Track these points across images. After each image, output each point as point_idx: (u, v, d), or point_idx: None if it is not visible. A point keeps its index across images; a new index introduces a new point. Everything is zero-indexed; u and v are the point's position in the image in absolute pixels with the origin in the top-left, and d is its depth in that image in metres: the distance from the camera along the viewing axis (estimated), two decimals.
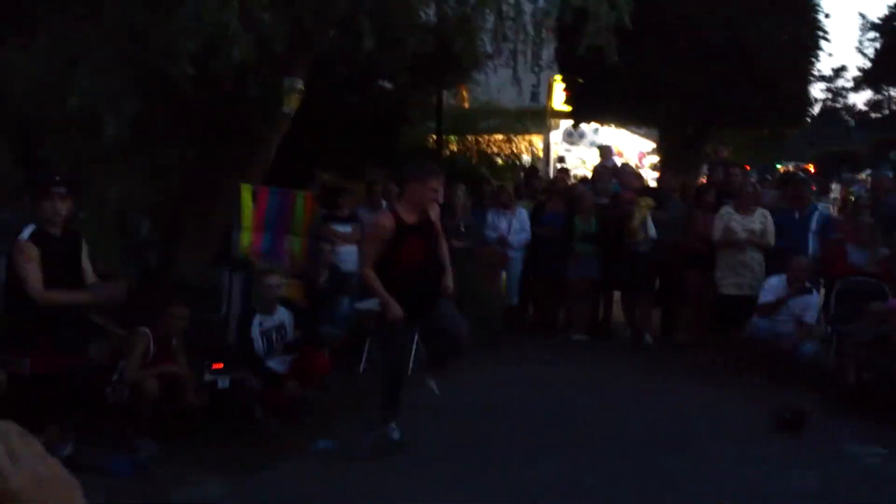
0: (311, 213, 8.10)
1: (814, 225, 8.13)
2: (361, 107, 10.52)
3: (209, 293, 6.99)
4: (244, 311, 6.76)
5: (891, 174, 10.89)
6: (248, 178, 7.17)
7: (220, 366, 5.98)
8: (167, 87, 5.82)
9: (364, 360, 7.74)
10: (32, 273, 4.51)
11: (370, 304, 7.87)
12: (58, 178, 4.79)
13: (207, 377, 5.88)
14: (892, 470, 5.35)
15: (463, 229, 9.16)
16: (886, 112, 33.49)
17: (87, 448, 4.93)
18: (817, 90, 31.46)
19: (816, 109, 26.64)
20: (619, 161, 15.05)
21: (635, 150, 19.78)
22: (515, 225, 9.21)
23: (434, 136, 12.34)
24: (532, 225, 9.30)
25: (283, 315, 6.45)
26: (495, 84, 14.71)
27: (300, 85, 7.06)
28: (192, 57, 5.39)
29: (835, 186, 16.87)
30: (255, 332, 6.30)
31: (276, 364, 6.37)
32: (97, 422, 5.37)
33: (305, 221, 7.97)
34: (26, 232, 4.61)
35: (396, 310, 5.13)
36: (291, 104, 7.04)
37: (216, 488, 4.84)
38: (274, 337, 6.37)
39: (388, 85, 10.61)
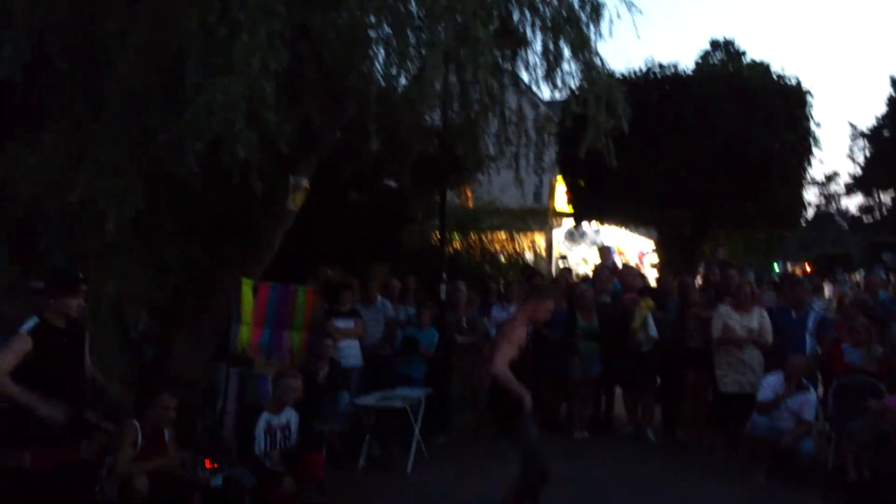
0: (313, 308, 8.16)
1: (811, 325, 8.18)
2: (365, 204, 10.74)
3: (205, 388, 6.98)
4: (248, 406, 6.66)
5: (883, 275, 11.00)
6: (249, 273, 7.25)
7: (215, 465, 5.91)
8: (171, 184, 5.97)
9: (363, 456, 7.65)
10: (5, 360, 4.46)
11: (370, 399, 7.88)
12: (81, 274, 4.84)
13: (200, 474, 5.80)
14: None
15: (465, 325, 9.20)
16: (878, 215, 34.03)
17: None
18: (811, 195, 32.17)
19: (810, 213, 27.08)
20: (619, 260, 15.23)
21: (635, 249, 19.99)
22: None
23: (437, 234, 12.52)
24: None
25: (289, 415, 6.32)
26: (498, 184, 15.08)
27: (305, 183, 7.23)
28: (198, 155, 5.53)
29: (827, 287, 16.99)
30: (260, 430, 6.17)
31: (272, 463, 6.25)
32: None
33: (307, 316, 8.02)
34: (30, 324, 4.62)
35: (529, 401, 5.53)
36: (296, 202, 7.19)
37: None
38: (278, 436, 6.23)
39: (392, 184, 10.86)
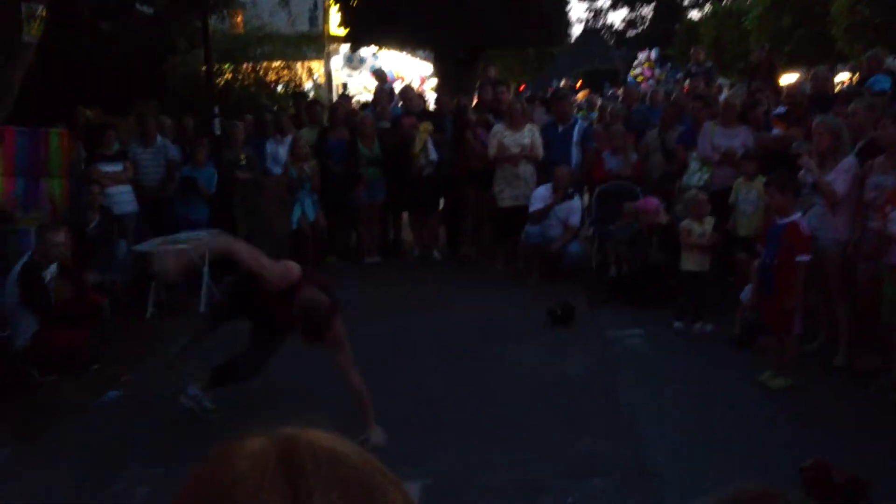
0: (70, 152, 7.46)
1: (575, 136, 8.72)
2: (120, 34, 9.71)
3: None
4: (28, 264, 6.18)
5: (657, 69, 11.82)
6: None
7: None
8: None
9: (150, 304, 7.41)
10: None
11: (149, 246, 7.52)
12: None
13: None
14: (646, 348, 6.17)
15: (244, 161, 8.89)
16: (640, 30, 36.25)
17: None
18: (579, 10, 33.45)
19: (579, 30, 28.14)
20: (400, 86, 15.19)
21: (416, 73, 19.98)
22: None
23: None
24: (317, 153, 9.18)
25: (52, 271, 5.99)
26: (267, 8, 14.19)
27: (41, 11, 6.37)
28: None
29: (599, 100, 18.24)
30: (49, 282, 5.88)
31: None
32: None
33: (64, 161, 7.33)
34: None
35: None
36: (32, 32, 6.34)
37: None
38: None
39: (147, 10, 9.85)
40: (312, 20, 17.64)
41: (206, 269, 7.56)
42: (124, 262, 7.58)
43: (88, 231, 7.21)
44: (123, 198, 8.04)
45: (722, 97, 9.50)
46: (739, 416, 4.75)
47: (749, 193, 6.74)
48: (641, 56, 19.51)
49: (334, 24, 16.14)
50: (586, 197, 8.98)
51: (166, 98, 10.84)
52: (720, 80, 16.61)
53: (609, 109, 9.67)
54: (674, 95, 10.16)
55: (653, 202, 7.35)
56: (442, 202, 9.60)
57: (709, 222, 6.48)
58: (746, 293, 5.93)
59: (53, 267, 6.01)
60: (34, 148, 6.94)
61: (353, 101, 13.75)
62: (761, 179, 6.27)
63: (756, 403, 4.92)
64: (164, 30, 9.69)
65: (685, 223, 6.54)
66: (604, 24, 39.64)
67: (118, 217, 7.81)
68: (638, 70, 19.42)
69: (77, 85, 9.06)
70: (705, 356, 5.84)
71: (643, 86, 15.68)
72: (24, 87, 6.72)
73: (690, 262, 6.49)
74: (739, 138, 7.48)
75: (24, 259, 6.14)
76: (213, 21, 9.94)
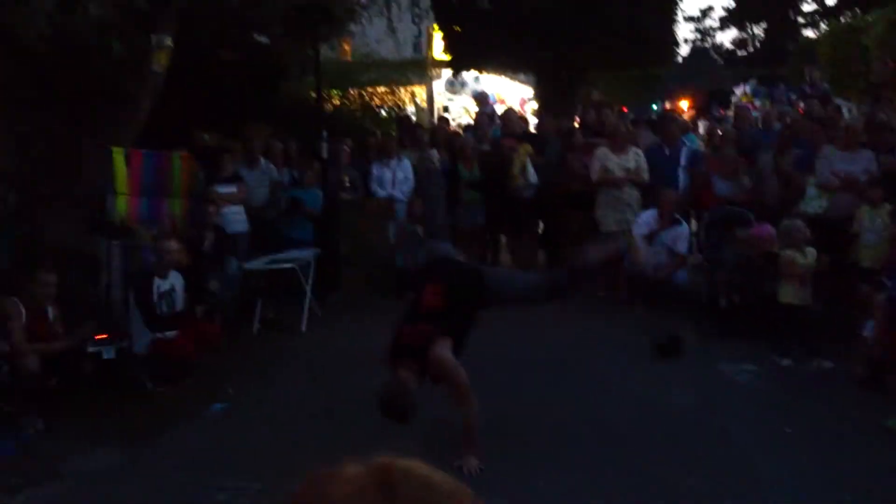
0: (190, 174, 7.84)
1: (683, 160, 8.50)
2: (237, 62, 10.17)
3: (87, 262, 6.72)
4: (139, 273, 6.59)
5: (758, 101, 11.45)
6: (119, 141, 6.84)
7: (105, 336, 5.80)
8: (25, 49, 5.45)
9: (257, 320, 7.67)
10: None
11: (258, 263, 7.81)
12: None
13: (92, 348, 5.69)
14: (760, 384, 5.83)
15: (348, 183, 9.12)
16: (751, 49, 35.25)
17: None
18: (686, 30, 32.71)
19: (686, 50, 27.57)
20: (501, 108, 15.29)
21: (517, 96, 20.06)
22: (399, 175, 9.21)
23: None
24: (416, 175, 9.33)
25: (174, 278, 6.33)
26: (374, 36, 14.58)
27: (168, 41, 6.75)
28: (49, 16, 5.06)
29: (702, 123, 17.73)
30: (156, 294, 6.21)
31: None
32: None
33: (184, 182, 7.70)
34: None
35: None
36: (161, 62, 6.73)
37: (106, 459, 4.74)
38: (164, 302, 6.25)
39: (262, 39, 10.28)
40: (416, 46, 18.00)
41: (308, 287, 7.79)
42: (234, 278, 7.88)
43: (203, 248, 7.53)
44: (236, 217, 8.37)
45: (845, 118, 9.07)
46: (862, 462, 4.43)
47: (874, 222, 6.40)
48: (738, 91, 18.66)
49: (437, 49, 16.42)
50: (693, 223, 8.69)
51: (278, 122, 11.26)
52: (838, 102, 15.91)
53: (719, 132, 9.39)
54: (790, 118, 9.79)
55: (767, 229, 7.04)
56: (541, 225, 9.55)
57: (810, 253, 6.12)
58: (870, 329, 5.59)
59: (173, 279, 6.28)
60: (158, 169, 7.33)
61: (453, 123, 13.96)
62: (887, 207, 5.94)
63: (881, 449, 4.57)
64: (277, 58, 10.07)
65: (787, 253, 6.15)
66: (713, 44, 38.63)
67: (230, 236, 8.13)
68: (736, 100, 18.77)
69: (196, 110, 9.54)
70: (825, 396, 5.45)
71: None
72: (150, 112, 7.12)
73: (790, 295, 6.13)
74: (862, 163, 7.12)
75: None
76: (323, 49, 10.27)
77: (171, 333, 6.15)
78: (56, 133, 6.40)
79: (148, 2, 5.79)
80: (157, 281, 6.26)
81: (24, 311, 5.33)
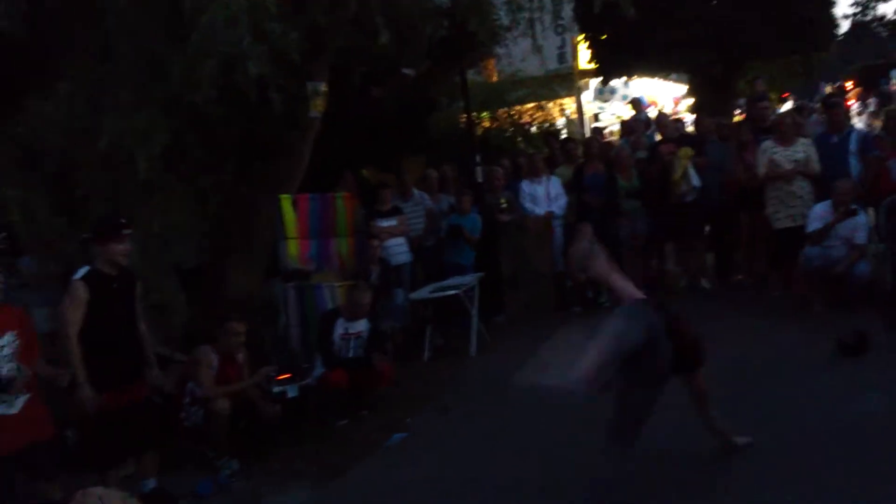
0: (353, 212, 8.19)
1: (853, 146, 7.89)
2: (388, 98, 10.55)
3: (264, 307, 7.16)
4: (326, 312, 6.92)
5: None
6: (285, 188, 7.27)
7: (288, 375, 6.13)
8: (194, 113, 5.92)
9: (428, 348, 7.85)
10: (71, 314, 4.61)
11: (424, 293, 8.01)
12: (123, 219, 4.89)
13: (276, 388, 6.02)
14: None
15: (504, 204, 9.17)
16: None
17: (172, 477, 5.13)
18: (845, 6, 30.58)
19: (846, 26, 25.70)
20: (654, 111, 14.85)
21: (669, 96, 19.43)
22: (552, 192, 9.15)
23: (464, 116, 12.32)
24: (575, 189, 9.23)
25: (363, 324, 6.61)
26: (519, 54, 14.63)
27: (323, 87, 7.10)
28: (212, 79, 5.46)
29: (871, 101, 16.28)
30: (337, 333, 6.49)
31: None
32: (179, 449, 5.58)
33: (349, 221, 8.07)
34: (81, 272, 4.73)
35: None
36: (317, 108, 7.08)
37: (298, 497, 4.98)
38: (351, 343, 6.55)
39: (410, 73, 10.61)
40: (561, 57, 17.89)
41: (475, 312, 7.88)
42: (402, 309, 8.12)
43: (370, 282, 7.82)
44: (398, 249, 8.65)
45: None
46: None
47: None
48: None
49: (583, 58, 16.23)
50: (871, 211, 8.01)
51: (432, 151, 11.55)
52: None
53: (889, 111, 8.65)
54: None
55: None
56: (707, 228, 9.16)
57: None
58: None
59: (362, 325, 6.56)
60: (324, 211, 7.72)
61: (606, 131, 13.71)
62: None
63: None
64: (426, 89, 10.34)
65: None
66: (874, 17, 35.75)
67: (395, 267, 8.40)
68: None
69: (353, 148, 9.97)
70: None
71: None
72: (311, 156, 7.52)
73: None
74: None
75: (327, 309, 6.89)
76: (470, 74, 10.44)
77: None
78: (229, 189, 6.89)
79: (300, 54, 6.11)
80: (344, 323, 6.53)
81: (215, 358, 5.73)
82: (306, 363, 6.47)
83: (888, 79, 20.24)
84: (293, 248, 7.39)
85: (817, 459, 4.39)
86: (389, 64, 9.39)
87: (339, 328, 6.49)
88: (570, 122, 16.96)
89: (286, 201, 7.23)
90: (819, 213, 7.33)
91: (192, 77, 5.46)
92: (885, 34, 31.81)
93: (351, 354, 6.47)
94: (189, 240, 6.98)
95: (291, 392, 6.05)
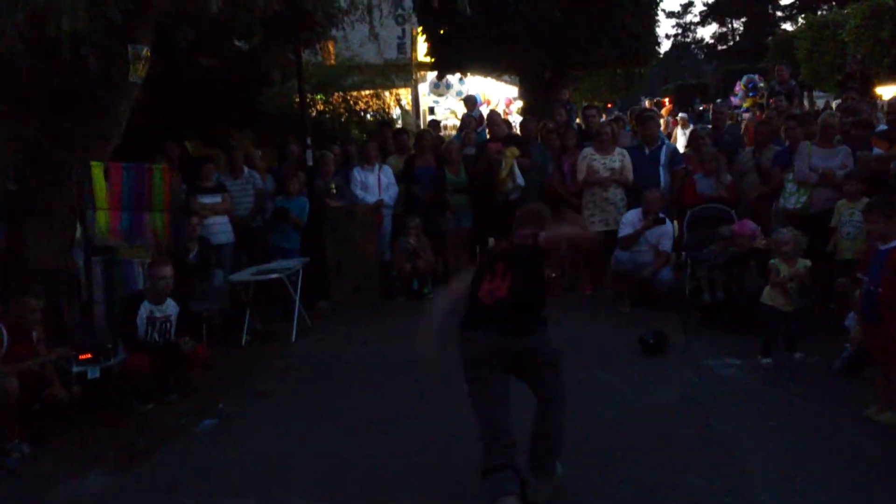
0: (171, 186, 7.78)
1: (663, 159, 8.55)
2: (217, 69, 10.12)
3: (68, 279, 6.65)
4: (129, 294, 6.53)
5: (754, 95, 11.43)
6: (97, 154, 6.77)
7: (89, 356, 5.75)
8: None
9: (246, 331, 7.63)
10: None
11: (245, 275, 7.78)
12: None
13: (76, 368, 5.64)
14: (745, 378, 5.91)
15: (334, 190, 9.10)
16: (731, 43, 35.44)
17: None
18: (667, 27, 32.83)
19: (668, 45, 27.58)
20: (486, 110, 15.27)
21: (502, 96, 20.06)
22: (384, 180, 9.19)
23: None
24: (404, 180, 9.32)
25: (171, 307, 6.24)
26: (357, 40, 14.53)
27: (146, 52, 6.69)
28: (20, 29, 5.01)
29: (680, 117, 17.65)
30: (142, 317, 6.10)
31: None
32: None
33: (166, 195, 7.64)
34: None
35: None
36: (138, 72, 6.66)
37: (96, 482, 4.69)
38: (157, 327, 6.16)
39: (242, 45, 10.23)
40: (400, 48, 17.96)
41: (297, 296, 7.76)
42: (221, 290, 7.84)
43: (187, 261, 7.49)
44: (220, 228, 8.33)
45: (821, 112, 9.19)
46: (844, 452, 4.50)
47: (852, 215, 6.45)
48: (739, 92, 17.98)
49: (421, 51, 16.38)
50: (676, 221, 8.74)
51: (261, 129, 11.21)
52: (816, 93, 15.97)
53: (696, 130, 9.46)
54: (766, 113, 9.88)
55: (749, 226, 7.13)
56: None
57: (802, 264, 6.07)
58: (850, 320, 5.65)
59: (170, 309, 6.22)
60: (138, 183, 7.27)
61: (442, 126, 13.94)
62: (864, 201, 5.98)
63: (862, 439, 4.65)
64: (258, 63, 10.02)
65: (773, 263, 6.11)
66: (693, 39, 38.82)
67: (215, 247, 8.09)
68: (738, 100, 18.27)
69: (176, 119, 9.48)
70: (806, 388, 5.56)
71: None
72: (127, 122, 7.06)
73: (772, 298, 6.08)
74: (839, 158, 7.19)
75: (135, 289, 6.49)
76: (306, 54, 10.22)
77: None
78: (33, 148, 6.34)
79: (122, 13, 5.73)
80: (149, 306, 6.13)
81: (5, 334, 5.27)
82: (111, 343, 6.05)
83: (700, 99, 22.03)
84: (102, 220, 6.90)
85: (606, 445, 4.72)
86: (220, 34, 9.02)
87: (144, 311, 6.10)
88: (404, 112, 17.07)
89: (97, 168, 6.73)
90: (630, 220, 7.88)
91: None
92: (701, 57, 34.48)
93: (157, 339, 6.13)
94: None
95: (92, 373, 5.69)
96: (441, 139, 10.32)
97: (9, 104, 6.20)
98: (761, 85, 14.53)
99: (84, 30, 5.34)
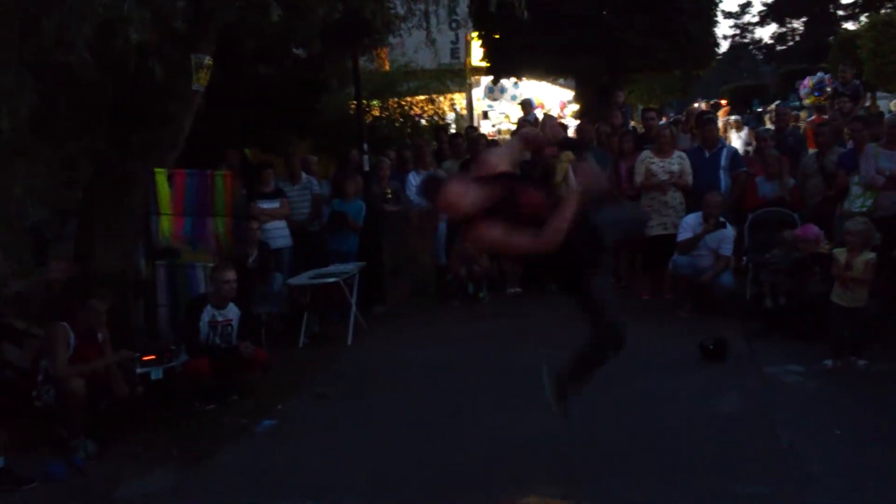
0: (233, 192, 7.94)
1: (723, 161, 8.39)
2: (276, 77, 10.30)
3: (133, 284, 6.84)
4: (193, 298, 6.65)
5: (798, 104, 11.23)
6: (161, 161, 6.96)
7: (153, 357, 5.89)
8: (66, 75, 5.58)
9: (303, 334, 7.73)
10: None
11: (303, 279, 7.89)
12: None
13: (140, 370, 5.78)
14: (808, 385, 5.78)
15: (390, 195, 9.16)
16: (791, 43, 34.59)
17: (22, 458, 4.83)
18: (725, 27, 32.25)
19: (726, 46, 27.03)
20: (541, 113, 15.20)
21: (556, 100, 19.95)
22: None
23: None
24: None
25: (233, 311, 6.34)
26: (412, 45, 14.64)
27: (208, 60, 6.85)
28: (88, 41, 5.17)
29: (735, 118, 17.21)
30: (204, 321, 6.22)
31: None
32: (32, 429, 5.26)
33: (227, 201, 7.79)
34: None
35: None
36: (200, 81, 6.82)
37: (159, 481, 4.79)
38: (219, 330, 6.27)
39: (301, 53, 10.40)
40: (454, 53, 18.02)
41: (353, 300, 7.84)
42: (280, 294, 7.96)
43: (248, 265, 7.62)
44: (279, 233, 8.47)
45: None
46: None
47: None
48: (805, 88, 17.36)
49: (476, 56, 16.41)
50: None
51: (319, 135, 11.36)
52: (880, 94, 15.44)
53: (758, 132, 9.26)
54: (829, 115, 9.62)
55: (813, 230, 6.94)
56: None
57: (867, 255, 5.89)
58: None
59: (231, 313, 6.33)
60: (201, 189, 7.43)
61: (493, 129, 13.90)
62: None
63: None
64: (317, 71, 10.17)
65: (835, 251, 6.00)
66: (752, 39, 37.96)
67: (274, 251, 8.22)
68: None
69: (237, 126, 9.67)
70: (872, 395, 5.40)
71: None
72: (190, 129, 7.24)
73: (844, 297, 5.93)
74: None
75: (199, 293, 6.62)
76: (362, 60, 10.34)
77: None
78: (100, 156, 6.53)
79: (186, 23, 5.87)
80: (211, 310, 6.25)
81: (73, 336, 5.44)
82: (174, 345, 6.20)
83: (759, 101, 21.48)
84: (166, 225, 7.08)
85: (667, 454, 4.62)
86: (280, 42, 9.18)
87: (207, 315, 6.23)
88: (459, 117, 17.11)
89: (161, 175, 6.91)
90: (689, 224, 7.74)
91: (67, 39, 5.14)
92: (759, 57, 33.74)
93: (219, 342, 6.24)
94: (48, 207, 6.55)
95: (155, 374, 5.82)
96: (494, 144, 10.28)
97: (80, 121, 6.40)
98: (829, 89, 14.12)
99: (150, 41, 5.48)
